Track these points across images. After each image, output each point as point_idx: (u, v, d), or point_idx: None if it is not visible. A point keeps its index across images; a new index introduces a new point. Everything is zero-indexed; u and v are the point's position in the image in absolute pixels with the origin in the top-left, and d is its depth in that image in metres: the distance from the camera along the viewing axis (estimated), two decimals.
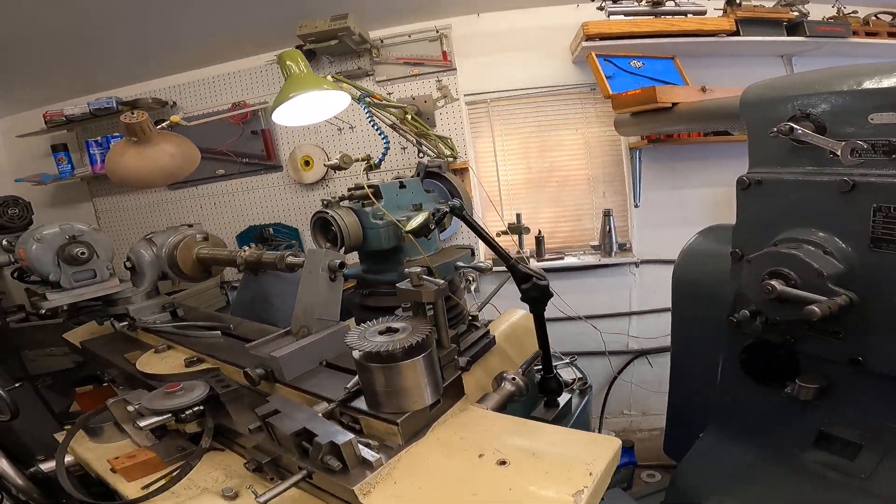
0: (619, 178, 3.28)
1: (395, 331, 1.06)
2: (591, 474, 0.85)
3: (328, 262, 1.37)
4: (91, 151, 3.56)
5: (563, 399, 1.69)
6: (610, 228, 3.16)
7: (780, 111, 1.21)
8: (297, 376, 1.26)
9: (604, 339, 3.23)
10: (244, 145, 3.43)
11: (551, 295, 1.65)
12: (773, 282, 1.12)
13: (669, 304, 3.22)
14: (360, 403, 1.08)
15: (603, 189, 3.31)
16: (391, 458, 0.94)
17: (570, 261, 3.23)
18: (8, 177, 3.98)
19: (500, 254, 1.75)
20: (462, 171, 3.08)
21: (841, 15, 2.84)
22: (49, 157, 3.86)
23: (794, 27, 2.83)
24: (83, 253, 1.62)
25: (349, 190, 1.86)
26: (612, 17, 2.89)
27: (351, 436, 0.93)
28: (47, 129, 3.68)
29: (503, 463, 0.90)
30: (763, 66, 3.03)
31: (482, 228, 1.70)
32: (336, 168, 1.84)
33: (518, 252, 3.17)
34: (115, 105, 3.38)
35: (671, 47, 2.93)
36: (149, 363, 1.50)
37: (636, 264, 3.26)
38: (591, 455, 0.90)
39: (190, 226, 1.93)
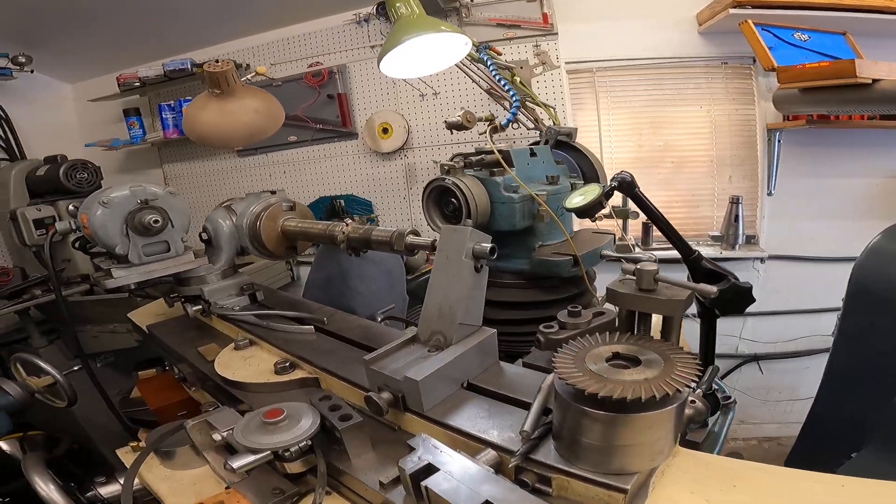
0: (750, 161, 2.74)
1: (635, 361, 0.65)
2: None
3: (473, 245, 0.97)
4: (164, 115, 3.32)
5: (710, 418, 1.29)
6: (738, 217, 2.65)
7: None
8: (437, 404, 0.88)
9: None
10: (318, 110, 3.08)
11: (753, 300, 1.22)
12: None
13: (795, 306, 2.75)
14: (544, 454, 0.71)
15: (729, 173, 2.78)
16: None
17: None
18: (79, 142, 3.81)
19: (679, 245, 1.32)
20: None
21: None
22: (121, 122, 3.67)
23: None
24: (157, 221, 1.29)
25: (456, 157, 1.46)
26: None
27: None
28: (120, 92, 3.47)
29: None
30: None
31: (660, 213, 1.27)
32: (456, 127, 1.44)
33: (621, 238, 2.70)
34: (189, 66, 3.12)
35: (840, 22, 2.41)
36: (229, 365, 1.16)
37: (762, 260, 2.75)
38: None
39: (273, 192, 1.59)
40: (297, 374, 1.09)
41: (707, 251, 2.73)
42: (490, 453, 0.76)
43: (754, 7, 2.29)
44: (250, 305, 1.51)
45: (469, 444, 0.80)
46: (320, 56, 3.05)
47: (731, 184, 2.78)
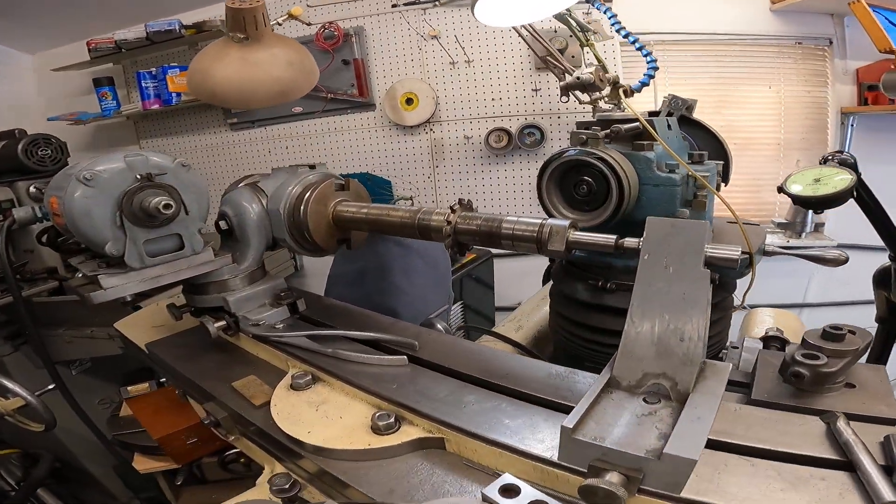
0: (819, 145, 2.48)
1: None
2: None
3: (706, 248, 0.60)
4: (143, 84, 2.78)
5: None
6: None
7: None
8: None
9: None
10: (331, 78, 2.61)
11: None
12: None
13: (860, 297, 2.50)
14: None
15: (797, 157, 2.50)
16: None
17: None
18: (39, 117, 3.22)
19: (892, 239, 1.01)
20: None
21: None
22: (89, 94, 3.11)
23: None
24: (168, 206, 0.85)
25: (576, 126, 1.08)
26: None
27: None
28: (91, 59, 2.91)
29: None
30: None
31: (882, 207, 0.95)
32: (582, 88, 1.06)
33: None
34: (177, 28, 2.59)
35: None
36: (296, 417, 0.76)
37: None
38: None
39: (312, 167, 1.16)
40: (411, 434, 0.70)
41: (772, 239, 2.45)
42: None
43: None
44: (292, 319, 1.09)
45: None
46: (334, 15, 2.57)
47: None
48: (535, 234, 0.76)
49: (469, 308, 2.46)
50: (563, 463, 0.57)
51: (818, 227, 2.52)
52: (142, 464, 1.62)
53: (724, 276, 0.99)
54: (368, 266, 1.73)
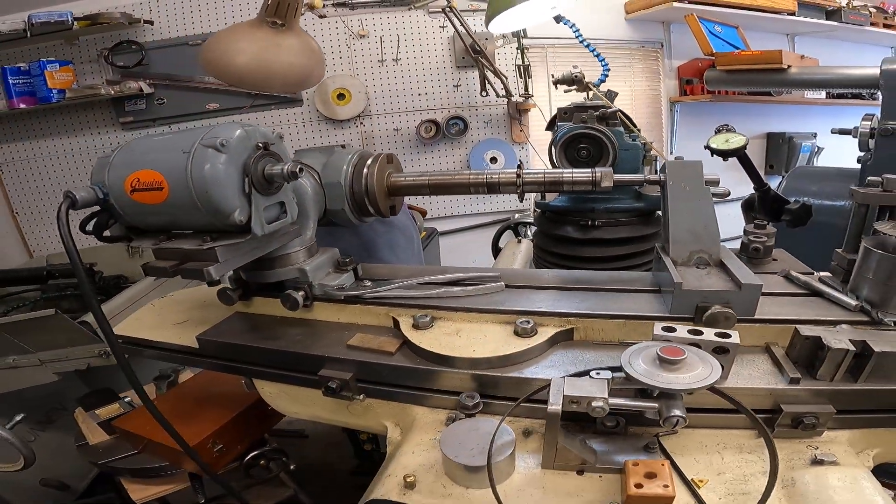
0: (657, 128, 3.22)
1: None
2: None
3: (705, 174, 1.00)
4: (10, 81, 2.32)
5: None
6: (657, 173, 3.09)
7: None
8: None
9: None
10: None
11: (812, 215, 1.53)
12: None
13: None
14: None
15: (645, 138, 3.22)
16: None
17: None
18: None
19: (756, 178, 1.57)
20: (525, 112, 2.82)
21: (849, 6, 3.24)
22: None
23: (830, 13, 3.16)
24: (302, 169, 0.92)
25: (559, 112, 1.43)
26: None
27: None
28: None
29: None
30: (769, 40, 3.25)
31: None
32: (568, 82, 1.42)
33: None
34: (69, 20, 2.23)
35: (734, 17, 2.98)
36: (451, 346, 0.90)
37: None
38: None
39: (343, 146, 1.29)
40: (548, 332, 0.92)
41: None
42: (844, 326, 0.81)
43: (690, 2, 2.69)
44: (362, 282, 1.20)
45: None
46: (247, 9, 2.49)
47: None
48: (591, 178, 1.05)
49: None
50: (674, 315, 0.86)
51: None
52: (138, 492, 1.43)
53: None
54: (350, 246, 1.83)
